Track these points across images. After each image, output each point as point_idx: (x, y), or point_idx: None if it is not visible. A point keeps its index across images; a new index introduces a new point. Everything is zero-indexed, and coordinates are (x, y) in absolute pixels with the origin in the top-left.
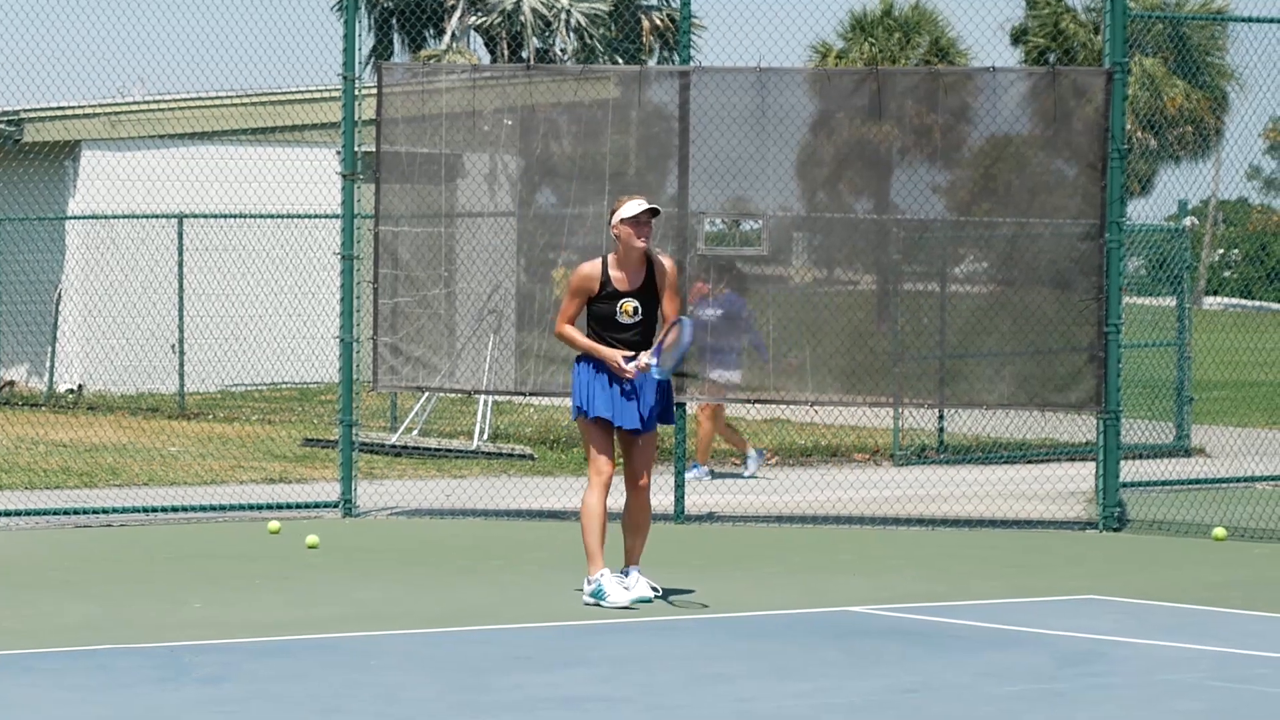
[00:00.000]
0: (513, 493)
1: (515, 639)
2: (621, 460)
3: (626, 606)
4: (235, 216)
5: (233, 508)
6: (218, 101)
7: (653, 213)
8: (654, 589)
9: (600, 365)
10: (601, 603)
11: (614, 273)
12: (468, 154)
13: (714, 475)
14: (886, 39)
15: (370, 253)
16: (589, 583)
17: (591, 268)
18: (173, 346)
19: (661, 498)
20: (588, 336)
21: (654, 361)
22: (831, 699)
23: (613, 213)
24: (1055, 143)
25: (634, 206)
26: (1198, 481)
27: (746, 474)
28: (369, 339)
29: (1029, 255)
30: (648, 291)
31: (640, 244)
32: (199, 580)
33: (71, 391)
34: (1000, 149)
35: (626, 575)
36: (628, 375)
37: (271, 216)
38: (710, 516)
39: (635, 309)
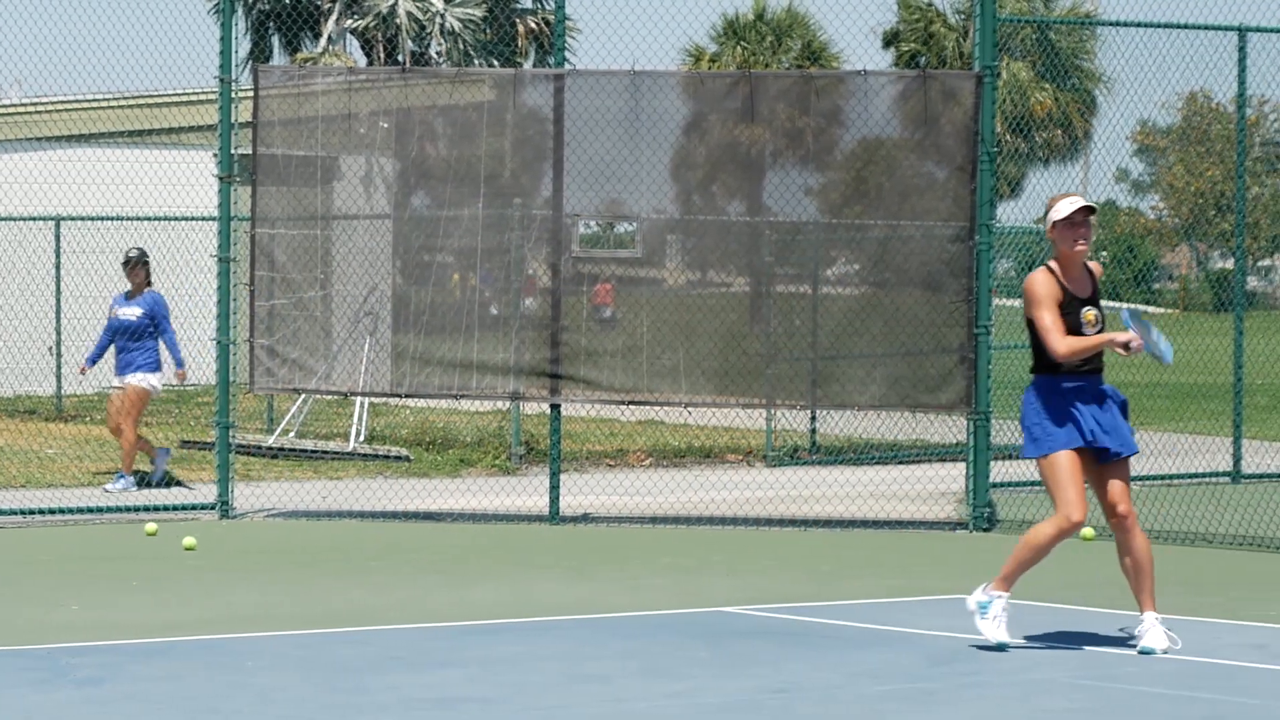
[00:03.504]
0: (389, 494)
1: (391, 640)
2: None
3: (994, 645)
4: (112, 219)
5: (110, 510)
6: (95, 104)
7: (1088, 210)
8: (1170, 638)
9: (1057, 387)
10: (980, 618)
11: (1067, 282)
12: (344, 156)
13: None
14: (759, 42)
15: (247, 255)
16: (984, 593)
17: (1046, 277)
18: (50, 349)
19: (536, 499)
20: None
21: (1156, 340)
22: (704, 699)
23: (1046, 213)
24: (925, 146)
25: (1066, 206)
26: None
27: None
28: (245, 341)
29: (900, 257)
30: (1097, 298)
31: (1080, 248)
32: (77, 582)
33: None
34: (871, 152)
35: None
36: (1132, 348)
37: (148, 219)
38: (585, 518)
39: (1097, 317)
